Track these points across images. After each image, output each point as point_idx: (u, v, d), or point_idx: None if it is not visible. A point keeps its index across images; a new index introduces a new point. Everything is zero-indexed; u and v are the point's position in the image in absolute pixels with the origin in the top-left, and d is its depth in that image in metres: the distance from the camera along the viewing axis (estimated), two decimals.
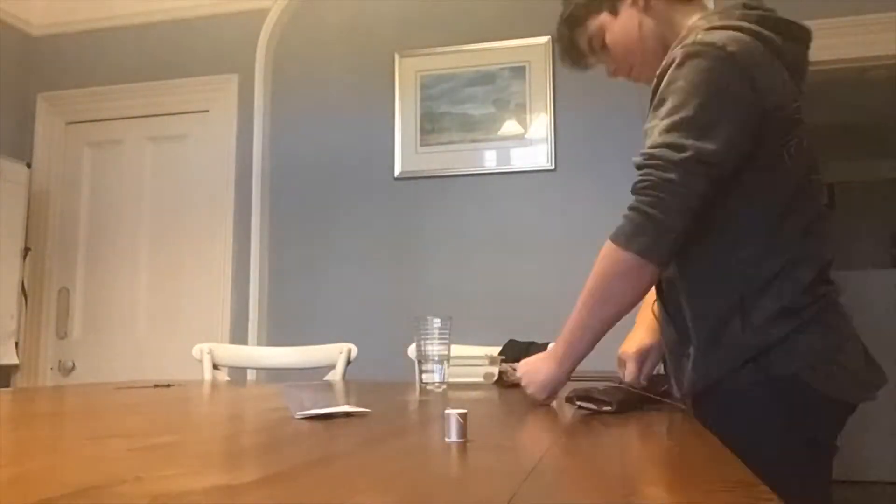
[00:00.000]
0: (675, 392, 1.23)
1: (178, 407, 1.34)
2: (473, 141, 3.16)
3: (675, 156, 1.06)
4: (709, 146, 1.05)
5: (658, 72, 1.18)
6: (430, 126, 3.21)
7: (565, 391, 1.20)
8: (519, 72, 3.14)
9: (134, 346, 3.47)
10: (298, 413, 0.97)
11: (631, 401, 1.12)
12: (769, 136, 1.10)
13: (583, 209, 3.03)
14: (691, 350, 1.15)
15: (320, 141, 3.35)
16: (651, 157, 1.09)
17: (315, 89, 3.39)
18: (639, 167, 1.10)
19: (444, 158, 3.19)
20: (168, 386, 1.79)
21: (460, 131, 3.18)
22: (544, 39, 3.12)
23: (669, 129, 1.08)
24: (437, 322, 1.62)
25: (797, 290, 1.10)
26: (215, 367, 2.30)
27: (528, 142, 3.12)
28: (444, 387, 1.58)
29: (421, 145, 3.22)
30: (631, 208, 1.10)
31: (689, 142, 1.06)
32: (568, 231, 3.03)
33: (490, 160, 3.16)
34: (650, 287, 1.16)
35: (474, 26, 3.21)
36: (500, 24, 3.18)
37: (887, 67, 2.94)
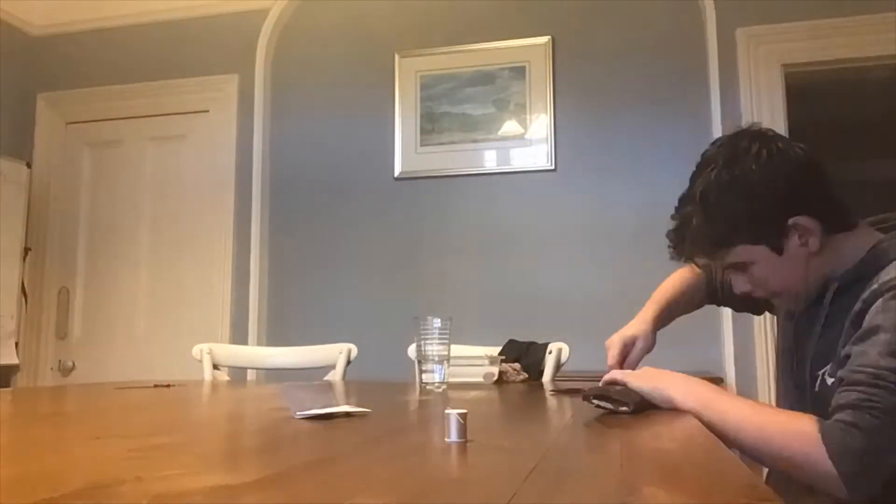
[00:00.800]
0: None
1: (178, 407, 1.34)
2: (473, 141, 3.16)
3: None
4: None
5: (864, 297, 1.05)
6: (430, 126, 3.21)
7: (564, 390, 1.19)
8: (519, 72, 3.14)
9: (134, 346, 3.47)
10: (298, 413, 0.97)
11: (647, 403, 1.10)
12: None
13: (583, 209, 3.03)
14: None
15: (320, 141, 3.35)
16: (879, 376, 0.97)
17: (315, 89, 3.39)
18: (862, 383, 0.98)
19: (444, 158, 3.19)
20: (168, 386, 1.79)
21: (460, 131, 3.18)
22: (544, 39, 3.12)
23: (893, 354, 0.98)
24: (437, 322, 1.62)
25: None
26: (215, 367, 2.30)
27: (528, 142, 3.12)
28: (444, 387, 1.58)
29: (421, 145, 3.22)
30: (854, 425, 0.96)
31: None
32: (568, 231, 3.03)
33: (490, 160, 3.16)
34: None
35: (474, 26, 3.21)
36: (500, 24, 3.18)
37: (887, 67, 2.94)
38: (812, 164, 1.17)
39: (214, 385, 1.99)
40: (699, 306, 1.63)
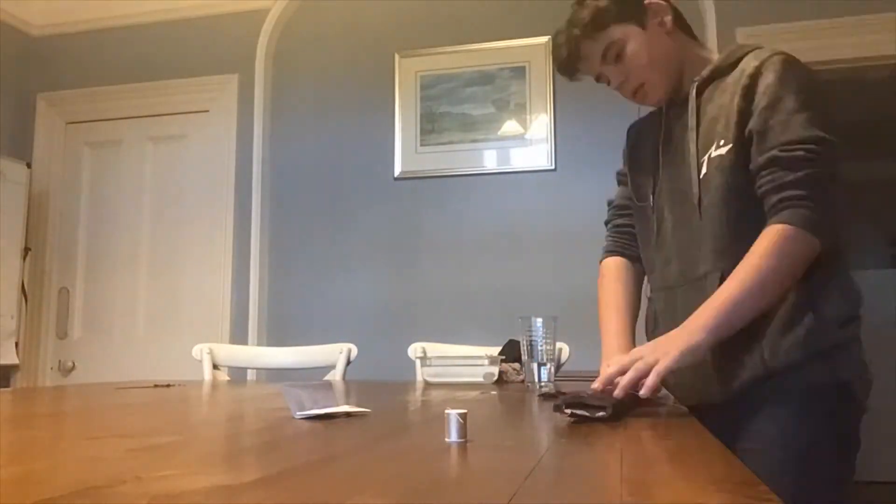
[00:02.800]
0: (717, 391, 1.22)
1: (178, 407, 1.34)
2: (473, 141, 3.17)
3: (831, 151, 1.14)
4: (838, 142, 1.15)
5: (749, 71, 1.22)
6: (430, 126, 3.21)
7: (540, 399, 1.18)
8: (519, 72, 3.14)
9: (134, 346, 3.47)
10: (298, 413, 0.97)
11: (626, 404, 1.04)
12: None
13: (583, 209, 3.03)
14: (765, 334, 1.17)
15: (320, 141, 3.35)
16: (811, 150, 1.14)
17: (315, 89, 3.39)
18: (801, 160, 1.14)
19: (444, 158, 3.19)
20: (168, 386, 1.79)
21: (460, 131, 3.18)
22: (544, 39, 3.12)
23: (813, 123, 1.15)
24: (539, 322, 1.60)
25: (856, 299, 1.20)
26: (215, 367, 2.30)
27: (528, 142, 3.12)
28: (550, 387, 1.54)
29: (421, 145, 3.22)
30: (807, 197, 1.13)
31: (833, 138, 1.15)
32: (568, 231, 3.03)
33: (490, 160, 3.16)
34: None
35: (474, 26, 3.21)
36: (500, 24, 3.18)
37: (887, 67, 2.94)
38: None
39: (214, 385, 1.99)
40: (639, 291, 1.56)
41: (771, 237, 1.13)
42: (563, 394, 1.07)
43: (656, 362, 1.06)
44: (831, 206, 1.14)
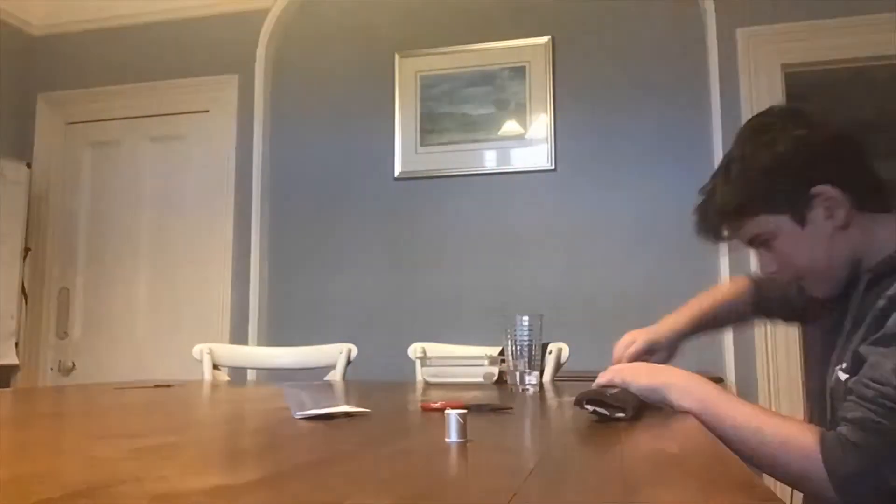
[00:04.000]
0: None
1: (178, 407, 1.34)
2: (473, 141, 3.16)
3: None
4: None
5: (890, 294, 0.99)
6: (430, 126, 3.21)
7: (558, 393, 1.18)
8: (519, 72, 3.14)
9: (134, 346, 3.47)
10: (298, 413, 0.97)
11: (645, 407, 1.04)
12: None
13: (583, 209, 3.03)
14: None
15: (320, 141, 3.35)
16: (886, 396, 0.93)
17: (315, 89, 3.39)
18: (870, 400, 0.94)
19: (444, 158, 3.19)
20: (168, 386, 1.79)
21: (460, 131, 3.18)
22: (544, 39, 3.12)
23: None
24: (525, 320, 1.53)
25: None
26: (215, 367, 2.30)
27: (528, 142, 3.12)
28: (537, 389, 1.53)
29: (421, 145, 3.22)
30: (856, 445, 0.93)
31: None
32: (568, 231, 3.03)
33: (490, 160, 3.16)
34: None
35: (474, 26, 3.21)
36: (500, 24, 3.18)
37: (887, 67, 2.94)
38: (846, 136, 1.13)
39: (214, 385, 1.99)
40: (743, 319, 1.51)
41: (805, 436, 0.97)
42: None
43: (657, 401, 1.07)
44: (880, 476, 0.91)
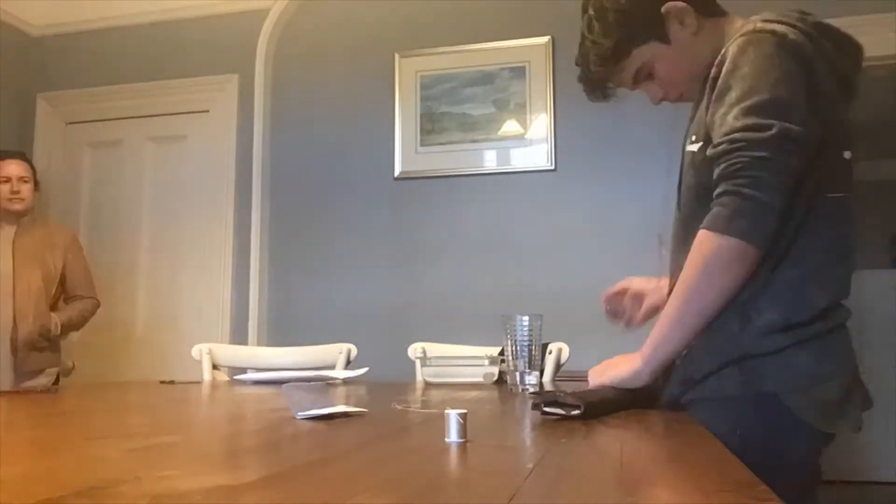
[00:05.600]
0: (665, 395, 1.17)
1: (178, 407, 1.34)
2: (473, 141, 3.16)
3: (762, 134, 1.00)
4: (793, 126, 1.00)
5: (717, 60, 1.12)
6: (430, 126, 3.21)
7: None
8: (519, 72, 3.14)
9: (134, 346, 3.46)
10: (299, 413, 0.97)
11: (604, 403, 1.03)
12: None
13: (583, 209, 3.03)
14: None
15: (320, 141, 3.35)
16: (735, 140, 1.02)
17: (315, 89, 3.39)
18: (723, 153, 1.03)
19: (444, 158, 3.19)
20: (171, 382, 1.80)
21: (460, 131, 3.18)
22: (544, 39, 3.12)
23: (747, 112, 1.02)
24: (525, 320, 1.53)
25: (803, 306, 1.06)
26: (215, 367, 2.30)
27: (528, 142, 3.12)
28: (535, 388, 1.52)
29: (421, 145, 3.22)
30: (724, 193, 1.02)
31: (772, 121, 1.00)
32: (568, 231, 3.03)
33: (490, 160, 3.16)
34: (751, 273, 1.05)
35: (474, 26, 3.21)
36: (500, 24, 3.18)
37: (887, 67, 2.94)
38: None
39: (214, 385, 1.99)
40: None
41: (694, 245, 1.06)
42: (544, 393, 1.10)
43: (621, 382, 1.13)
44: (763, 199, 0.99)
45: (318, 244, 3.29)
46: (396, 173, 3.23)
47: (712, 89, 1.10)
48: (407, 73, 3.27)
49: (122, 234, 3.56)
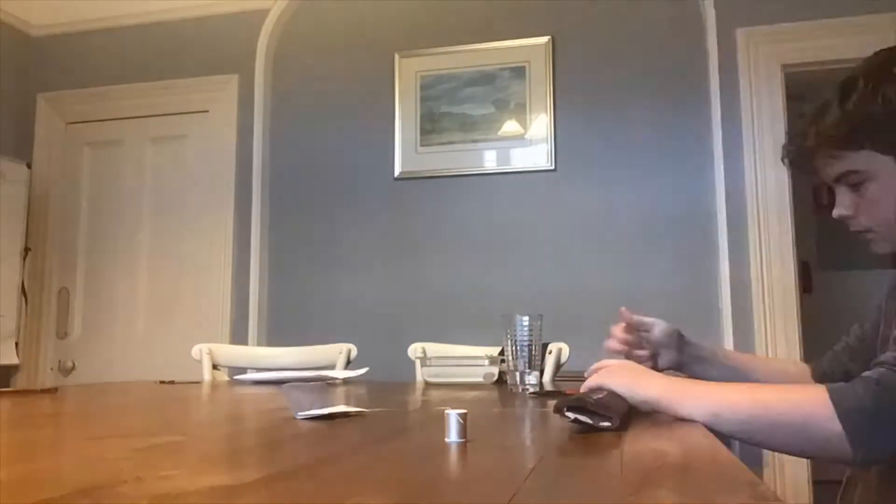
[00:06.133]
0: None
1: (178, 407, 1.34)
2: (473, 141, 3.16)
3: None
4: None
5: None
6: (430, 126, 3.21)
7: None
8: (519, 72, 3.14)
9: (134, 346, 3.47)
10: (299, 413, 0.97)
11: (633, 412, 0.96)
12: None
13: (583, 209, 3.03)
14: None
15: (320, 141, 3.35)
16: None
17: (315, 89, 3.39)
18: (883, 363, 0.88)
19: (444, 158, 3.19)
20: (171, 382, 1.80)
21: (460, 131, 3.18)
22: (544, 39, 3.12)
23: None
24: (525, 320, 1.51)
25: None
26: (215, 367, 2.30)
27: (528, 142, 3.12)
28: (537, 389, 1.52)
29: (421, 145, 3.22)
30: (878, 384, 0.86)
31: None
32: (568, 231, 3.03)
33: (490, 160, 3.16)
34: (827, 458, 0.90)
35: (474, 26, 3.21)
36: (500, 24, 3.18)
37: None
38: None
39: (214, 385, 1.99)
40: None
41: (804, 388, 0.93)
42: (564, 394, 1.04)
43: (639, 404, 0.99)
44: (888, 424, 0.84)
45: (318, 244, 3.29)
46: (396, 173, 3.23)
47: None
48: (407, 73, 3.26)
49: (122, 234, 3.56)
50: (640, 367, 1.09)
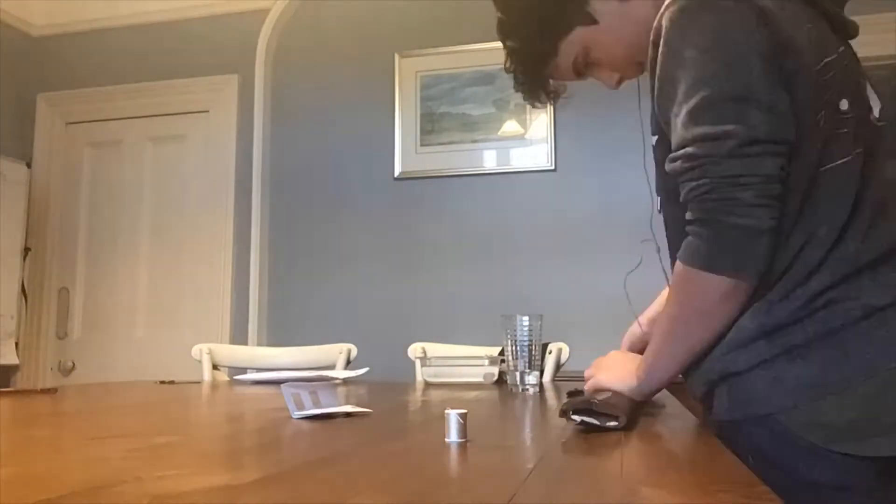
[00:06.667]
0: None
1: (178, 407, 1.34)
2: (473, 141, 3.16)
3: (720, 147, 0.83)
4: (755, 124, 0.83)
5: (651, 38, 0.94)
6: (430, 126, 3.21)
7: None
8: None
9: (134, 346, 3.47)
10: (297, 413, 0.97)
11: (634, 411, 0.94)
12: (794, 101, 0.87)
13: (583, 209, 3.03)
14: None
15: (320, 141, 3.35)
16: (691, 156, 0.86)
17: (315, 89, 3.39)
18: (683, 171, 0.88)
19: (444, 158, 3.19)
20: (171, 382, 1.80)
21: (460, 131, 3.18)
22: None
23: (696, 118, 0.86)
24: (525, 320, 1.52)
25: (793, 303, 0.88)
26: (215, 367, 2.30)
27: (528, 142, 3.12)
28: (537, 389, 1.53)
29: (421, 145, 3.22)
30: (698, 221, 0.87)
31: (728, 127, 0.83)
32: (568, 231, 3.03)
33: (490, 160, 3.16)
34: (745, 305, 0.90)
35: (474, 26, 3.21)
36: None
37: (887, 67, 2.94)
38: None
39: (214, 385, 1.99)
40: None
41: (675, 280, 0.93)
42: (576, 393, 1.03)
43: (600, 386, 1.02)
44: (745, 223, 0.83)
45: (319, 244, 3.29)
46: (396, 173, 3.23)
47: (653, 74, 0.94)
48: (407, 73, 3.26)
49: (122, 234, 3.56)
50: (621, 358, 1.08)
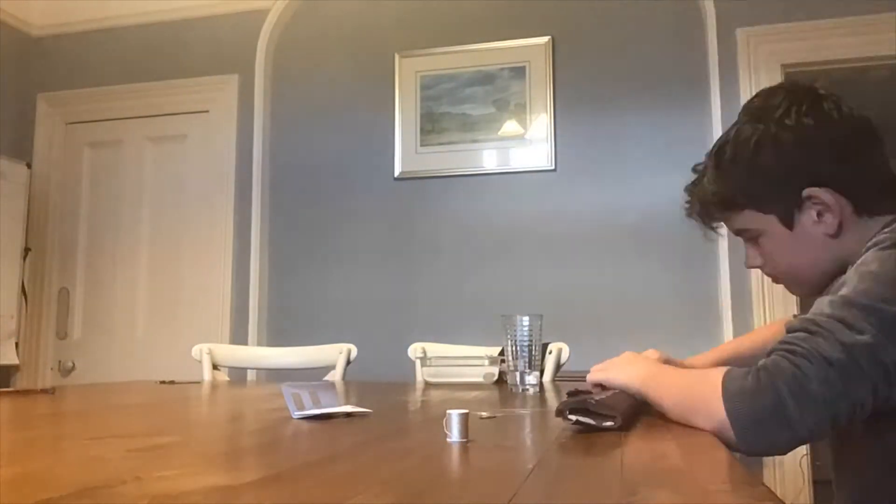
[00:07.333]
0: None
1: (178, 407, 1.34)
2: (473, 141, 3.16)
3: (849, 336, 0.79)
4: (892, 348, 0.79)
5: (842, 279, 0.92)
6: (430, 126, 3.21)
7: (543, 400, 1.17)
8: (519, 72, 3.14)
9: (134, 346, 3.47)
10: (298, 413, 0.97)
11: (639, 409, 0.95)
12: None
13: (583, 209, 3.03)
14: None
15: (320, 141, 3.35)
16: (816, 323, 0.82)
17: (315, 89, 3.39)
18: (796, 330, 0.84)
19: (444, 158, 3.19)
20: (171, 382, 1.80)
21: (460, 131, 3.18)
22: (544, 39, 3.12)
23: (847, 304, 0.82)
24: (525, 320, 1.51)
25: None
26: (215, 367, 2.30)
27: (528, 142, 3.12)
28: (537, 389, 1.52)
29: (421, 145, 3.22)
30: (764, 370, 0.82)
31: (868, 327, 0.79)
32: (568, 231, 3.03)
33: (490, 160, 3.16)
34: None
35: (474, 26, 3.21)
36: (500, 24, 3.18)
37: (887, 67, 2.94)
38: (860, 131, 1.02)
39: (214, 385, 1.99)
40: None
41: (714, 374, 0.88)
42: (576, 393, 1.03)
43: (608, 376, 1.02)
44: (794, 404, 0.79)
45: (319, 244, 3.29)
46: (396, 173, 3.23)
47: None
48: (407, 73, 3.26)
49: (122, 234, 3.56)
50: (634, 357, 1.08)
